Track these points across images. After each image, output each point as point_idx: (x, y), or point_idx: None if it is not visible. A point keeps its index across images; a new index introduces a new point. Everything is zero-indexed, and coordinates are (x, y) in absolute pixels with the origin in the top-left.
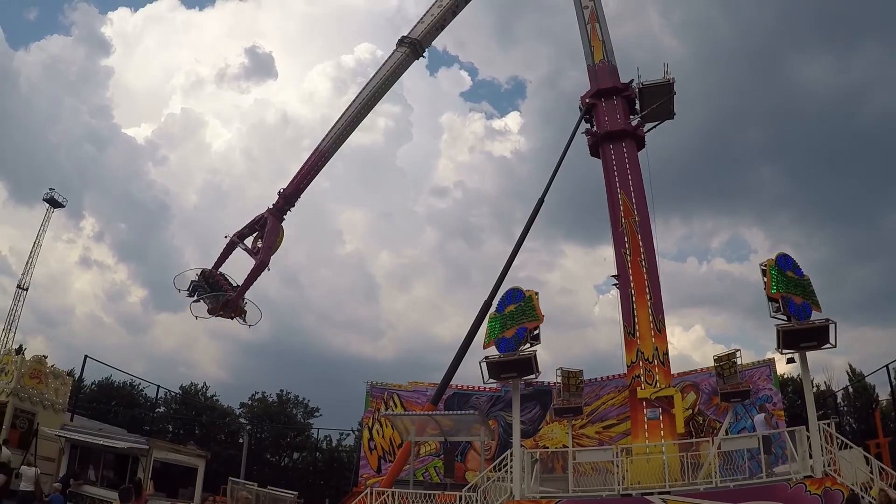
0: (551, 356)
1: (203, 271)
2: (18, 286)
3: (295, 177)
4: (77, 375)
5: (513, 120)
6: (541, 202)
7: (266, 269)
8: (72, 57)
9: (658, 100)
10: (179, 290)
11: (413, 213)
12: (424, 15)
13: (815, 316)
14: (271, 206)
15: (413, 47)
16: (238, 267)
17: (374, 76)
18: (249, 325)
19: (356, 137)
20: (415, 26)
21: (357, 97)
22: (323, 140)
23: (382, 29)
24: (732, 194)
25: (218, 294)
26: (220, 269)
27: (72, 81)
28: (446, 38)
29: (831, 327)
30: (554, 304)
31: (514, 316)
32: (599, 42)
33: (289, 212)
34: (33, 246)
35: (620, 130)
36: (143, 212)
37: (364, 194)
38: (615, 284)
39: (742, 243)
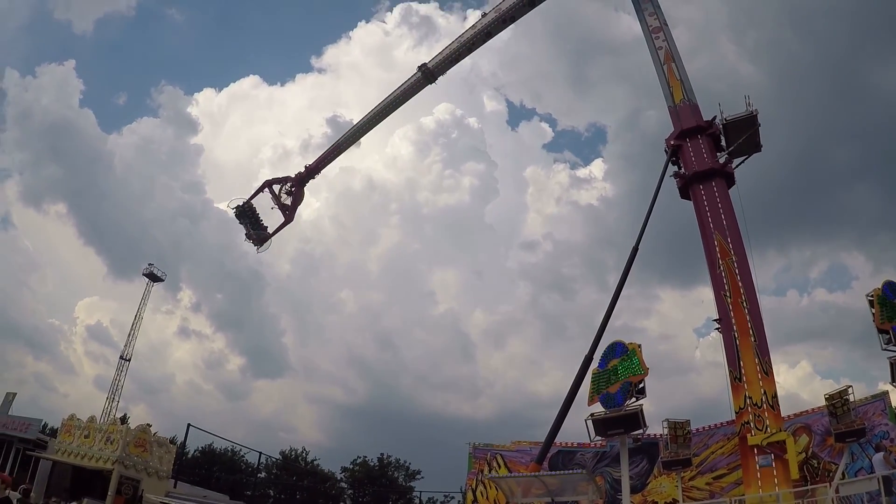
0: (654, 405)
1: (244, 202)
2: (121, 357)
3: (317, 160)
4: (180, 443)
5: (597, 167)
6: (635, 251)
7: (290, 223)
8: (162, 137)
9: (743, 134)
10: (230, 208)
11: (505, 269)
12: (445, 48)
13: None
14: (299, 173)
15: (426, 73)
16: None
17: (390, 93)
18: (259, 251)
19: (443, 198)
20: (434, 56)
21: (373, 109)
22: (341, 137)
23: (459, 88)
24: (828, 219)
25: (258, 230)
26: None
27: (163, 160)
28: (523, 91)
29: None
30: (653, 351)
31: (617, 370)
32: (678, 81)
33: (310, 181)
34: (134, 319)
35: (709, 170)
36: (238, 282)
37: (454, 253)
38: (717, 328)
39: (842, 270)
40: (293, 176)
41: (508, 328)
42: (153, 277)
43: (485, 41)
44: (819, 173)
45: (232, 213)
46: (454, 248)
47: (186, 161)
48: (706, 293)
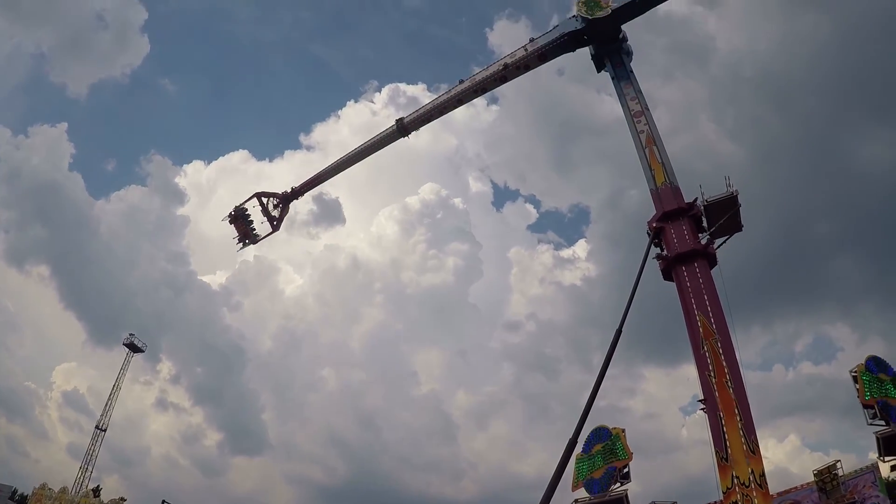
0: (641, 486)
1: (236, 208)
2: (97, 426)
3: (302, 184)
4: None
5: (580, 247)
6: (618, 333)
7: (276, 232)
8: (149, 206)
9: (724, 214)
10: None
11: (488, 350)
12: (420, 108)
13: None
14: (285, 191)
15: (400, 127)
16: None
17: (368, 140)
18: (241, 248)
19: (427, 278)
20: (410, 114)
21: (351, 152)
22: (323, 170)
23: (444, 168)
24: (811, 292)
25: (248, 229)
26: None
27: (149, 229)
28: (507, 172)
29: None
30: (639, 430)
31: (602, 455)
32: (659, 164)
33: (294, 200)
34: (112, 388)
35: (691, 251)
36: (219, 356)
37: (437, 334)
38: (702, 409)
39: (827, 342)
40: (280, 193)
41: (492, 409)
42: (133, 348)
43: (456, 107)
44: (801, 248)
45: (227, 220)
46: (437, 328)
47: (172, 231)
48: (692, 371)
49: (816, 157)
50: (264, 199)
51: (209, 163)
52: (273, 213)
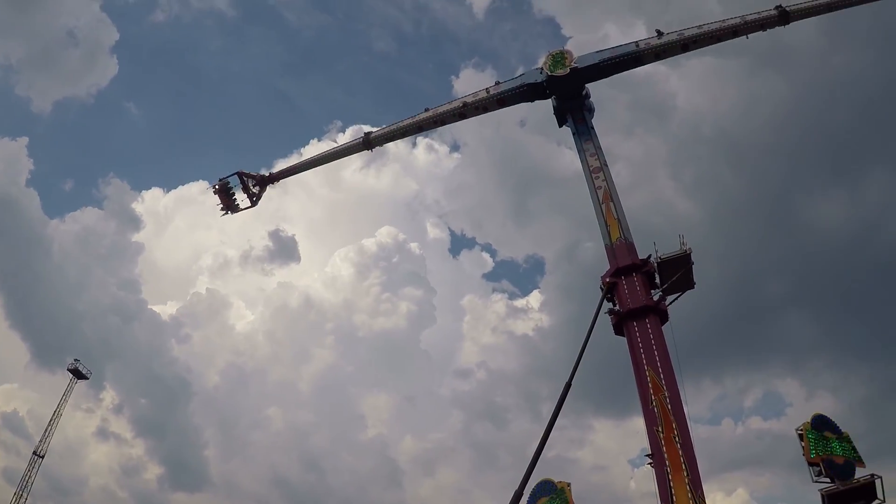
0: None
1: (221, 180)
2: (35, 452)
3: (279, 172)
4: None
5: (534, 298)
6: (568, 386)
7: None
8: (104, 230)
9: (677, 272)
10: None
11: (438, 396)
12: (387, 127)
13: (860, 473)
14: (263, 175)
15: (366, 141)
16: None
17: (335, 147)
18: (223, 215)
19: (380, 321)
20: (377, 130)
21: (320, 154)
22: (294, 165)
23: (402, 213)
24: (762, 348)
25: (230, 201)
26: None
27: (102, 253)
28: (465, 220)
29: (877, 482)
30: (587, 482)
31: None
32: (615, 220)
33: (270, 185)
34: (53, 415)
35: (642, 307)
36: (164, 388)
37: (387, 378)
38: (650, 463)
39: (777, 397)
40: (257, 175)
41: (439, 456)
42: (77, 374)
43: (416, 133)
44: (753, 304)
45: (214, 189)
46: (387, 372)
47: (125, 258)
48: (641, 423)
49: (770, 215)
50: (245, 178)
51: (168, 191)
52: (253, 191)
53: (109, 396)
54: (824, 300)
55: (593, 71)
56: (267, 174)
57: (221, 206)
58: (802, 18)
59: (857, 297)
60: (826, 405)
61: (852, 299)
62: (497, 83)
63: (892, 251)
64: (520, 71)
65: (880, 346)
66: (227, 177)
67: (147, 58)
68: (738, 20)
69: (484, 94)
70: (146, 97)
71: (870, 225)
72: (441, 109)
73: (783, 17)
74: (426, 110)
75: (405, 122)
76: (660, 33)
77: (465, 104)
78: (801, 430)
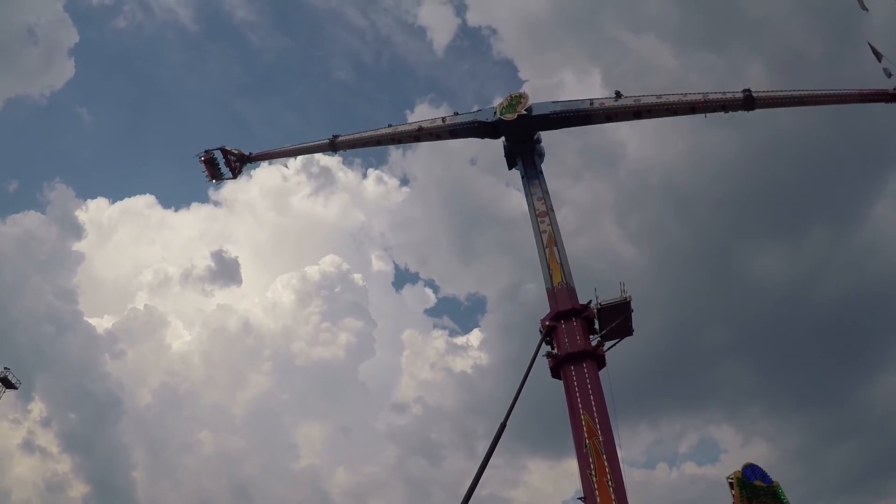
0: None
1: (206, 151)
2: None
3: (259, 154)
4: None
5: (474, 336)
6: (503, 427)
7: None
8: (45, 235)
9: (617, 318)
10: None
11: (372, 430)
12: (355, 134)
13: None
14: (243, 154)
15: (332, 142)
16: None
17: (304, 144)
18: (210, 181)
19: (318, 351)
20: (346, 136)
21: (292, 145)
22: (269, 151)
23: (348, 243)
24: (699, 394)
25: (216, 171)
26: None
27: (41, 260)
28: (410, 254)
29: None
30: None
31: None
32: (557, 265)
33: (248, 163)
34: None
35: (580, 352)
36: (95, 404)
37: (322, 408)
38: None
39: (712, 444)
40: (237, 152)
41: (371, 489)
42: (6, 383)
43: (376, 145)
44: (692, 352)
45: (200, 158)
46: (323, 402)
47: (64, 266)
48: (576, 465)
49: (713, 266)
50: (227, 153)
51: (114, 202)
52: (234, 165)
53: (38, 408)
54: (762, 350)
55: (542, 120)
56: (248, 154)
57: (208, 174)
58: (768, 107)
59: (794, 349)
60: (761, 452)
61: (789, 350)
62: (455, 114)
63: (828, 306)
64: (475, 108)
65: (815, 396)
66: (212, 150)
67: (105, 64)
68: (699, 97)
69: (440, 123)
70: (100, 104)
71: (808, 280)
72: (400, 128)
73: (748, 102)
74: (389, 126)
75: (367, 134)
76: (618, 95)
77: (420, 128)
78: (732, 478)
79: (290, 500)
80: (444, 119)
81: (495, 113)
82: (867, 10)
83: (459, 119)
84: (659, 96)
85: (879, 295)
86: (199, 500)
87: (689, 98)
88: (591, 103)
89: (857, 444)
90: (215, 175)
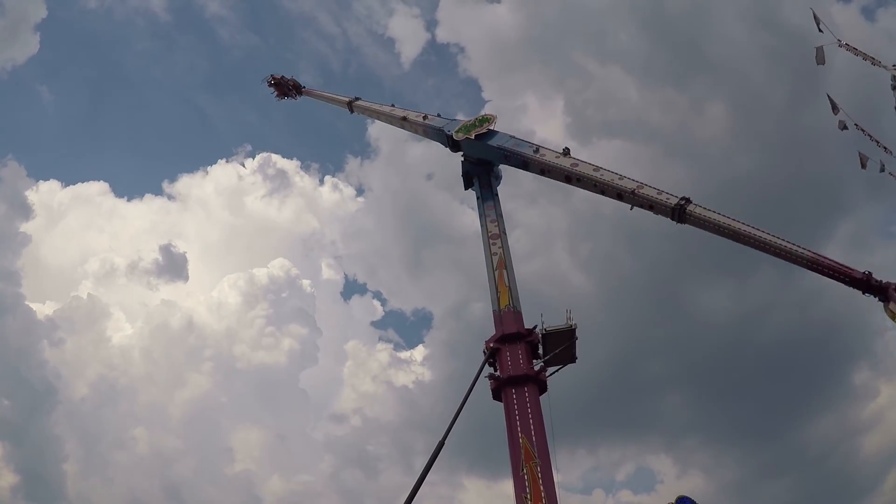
0: None
1: (274, 77)
2: None
3: (313, 91)
4: None
5: (418, 351)
6: (441, 445)
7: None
8: None
9: (561, 344)
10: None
11: (310, 439)
12: (375, 104)
13: None
14: (299, 85)
15: (350, 104)
16: None
17: (328, 93)
18: (279, 99)
19: (260, 355)
20: (366, 101)
21: (318, 92)
22: (321, 92)
23: (299, 249)
24: (639, 424)
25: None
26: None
27: None
28: (360, 264)
29: None
30: None
31: None
32: (506, 288)
33: (297, 95)
34: None
35: (523, 376)
36: (29, 391)
37: (261, 413)
38: None
39: (649, 473)
40: (291, 80)
41: (306, 499)
42: None
43: (377, 118)
44: (634, 381)
45: (269, 82)
46: (262, 408)
47: (9, 247)
48: (512, 487)
49: (659, 299)
50: (286, 81)
51: (66, 185)
52: (292, 92)
53: None
54: (704, 384)
55: (485, 150)
56: (304, 86)
57: (277, 94)
58: (695, 226)
59: (735, 385)
60: (697, 483)
61: (730, 386)
62: (438, 115)
63: (771, 345)
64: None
65: (753, 431)
66: (279, 76)
67: (71, 43)
68: (634, 185)
69: (421, 120)
70: (61, 84)
71: (753, 318)
72: (397, 113)
73: (679, 213)
74: (392, 105)
75: (377, 107)
76: (566, 152)
77: (405, 118)
78: None
79: None
80: (425, 116)
81: (457, 130)
82: (824, 62)
83: (434, 123)
84: (597, 169)
85: (821, 338)
86: (129, 499)
87: (621, 184)
88: (537, 150)
89: (792, 480)
90: (286, 93)
